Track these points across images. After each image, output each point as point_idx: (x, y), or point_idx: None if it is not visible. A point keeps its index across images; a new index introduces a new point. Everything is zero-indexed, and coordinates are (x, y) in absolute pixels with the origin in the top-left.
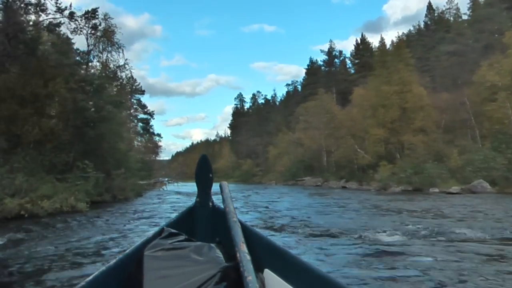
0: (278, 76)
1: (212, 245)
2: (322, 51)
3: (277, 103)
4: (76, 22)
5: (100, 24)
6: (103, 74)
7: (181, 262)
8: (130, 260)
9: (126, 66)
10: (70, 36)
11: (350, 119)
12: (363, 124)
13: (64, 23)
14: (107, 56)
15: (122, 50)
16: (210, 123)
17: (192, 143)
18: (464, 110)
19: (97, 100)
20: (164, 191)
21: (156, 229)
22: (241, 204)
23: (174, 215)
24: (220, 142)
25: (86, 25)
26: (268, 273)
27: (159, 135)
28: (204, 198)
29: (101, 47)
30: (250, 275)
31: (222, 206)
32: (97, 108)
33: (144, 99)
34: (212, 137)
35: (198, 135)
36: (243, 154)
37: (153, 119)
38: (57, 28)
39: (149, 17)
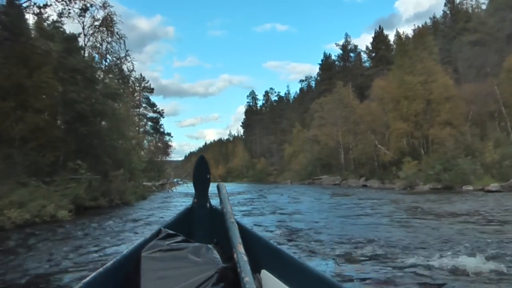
0: (291, 75)
1: (210, 246)
2: (337, 44)
3: (291, 100)
4: (63, 2)
5: (95, 10)
6: (101, 66)
7: (178, 263)
8: (128, 261)
9: (128, 58)
10: (62, 23)
11: (370, 113)
12: (384, 118)
13: (51, 4)
14: (106, 47)
15: (124, 41)
16: (224, 123)
17: (205, 143)
18: (492, 101)
19: (90, 92)
20: (172, 193)
21: (154, 230)
22: (252, 207)
23: (171, 216)
24: (233, 141)
25: (75, 5)
26: (265, 274)
27: (169, 134)
28: (202, 199)
29: (100, 37)
30: (247, 276)
31: (220, 207)
32: (90, 101)
33: (157, 100)
34: (225, 137)
35: (212, 135)
36: (257, 153)
37: (163, 117)
38: (43, 10)
39: (162, 19)
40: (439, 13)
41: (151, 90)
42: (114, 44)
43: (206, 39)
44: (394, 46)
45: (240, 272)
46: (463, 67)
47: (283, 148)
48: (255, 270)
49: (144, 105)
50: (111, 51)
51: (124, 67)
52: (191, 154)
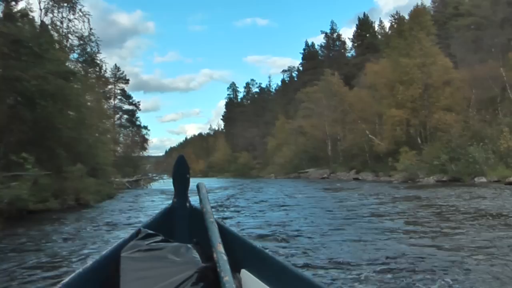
0: (272, 69)
1: (189, 245)
2: (322, 31)
3: (273, 91)
4: None
5: None
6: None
7: (158, 263)
8: (107, 261)
9: (92, 37)
10: None
11: (360, 101)
12: (377, 106)
13: None
14: (67, 25)
15: (88, 20)
16: (205, 118)
17: (186, 138)
18: (495, 85)
19: (38, 70)
20: (147, 190)
21: (133, 230)
22: (237, 207)
23: (151, 216)
24: (215, 135)
25: None
26: (245, 273)
27: (146, 127)
28: (181, 198)
29: (60, 15)
30: (227, 275)
31: (200, 207)
32: (37, 81)
33: (138, 95)
34: (206, 131)
35: (193, 130)
36: (239, 146)
37: (139, 110)
38: None
39: (142, 14)
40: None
41: (127, 81)
42: (76, 22)
43: (186, 34)
44: (379, 34)
45: (219, 272)
46: (460, 52)
47: (266, 141)
48: (235, 270)
49: (119, 97)
50: (73, 30)
51: (88, 48)
52: (171, 149)
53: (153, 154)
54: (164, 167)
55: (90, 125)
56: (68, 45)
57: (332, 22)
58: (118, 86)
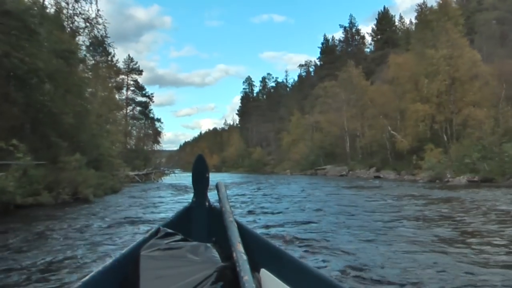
0: (287, 66)
1: (209, 245)
2: (341, 25)
3: (289, 86)
4: None
5: None
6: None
7: (177, 262)
8: (127, 260)
9: (99, 19)
10: None
11: (382, 95)
12: (399, 100)
13: None
14: (73, 6)
15: (96, 0)
16: (220, 113)
17: (201, 133)
18: None
19: (33, 47)
20: (158, 184)
21: (153, 229)
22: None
23: (170, 215)
24: (229, 130)
25: None
26: (264, 273)
27: (159, 120)
28: (201, 198)
29: None
30: (246, 275)
31: (219, 206)
32: (31, 59)
33: (154, 89)
34: (221, 126)
35: (207, 125)
36: (253, 141)
37: (152, 102)
38: None
39: (159, 8)
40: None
41: (140, 72)
42: (83, 3)
43: (203, 29)
44: (399, 29)
45: (239, 271)
46: (486, 46)
47: (281, 137)
48: (254, 269)
49: (132, 88)
50: (80, 12)
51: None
52: (186, 144)
53: (167, 149)
54: (176, 161)
55: (95, 113)
56: (74, 27)
57: (351, 16)
58: (131, 77)
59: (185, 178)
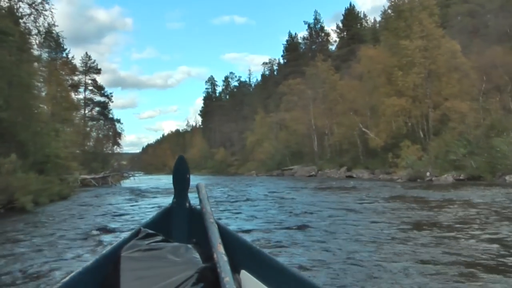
0: (250, 67)
1: (189, 246)
2: (305, 22)
3: (253, 85)
4: None
5: None
6: None
7: (158, 263)
8: (107, 261)
9: (46, 5)
10: None
11: (353, 90)
12: (370, 95)
13: None
14: None
15: None
16: (182, 115)
17: (163, 135)
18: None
19: None
20: (116, 188)
21: (133, 229)
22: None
23: (151, 216)
24: (191, 131)
25: None
26: (244, 274)
27: (119, 121)
28: (181, 198)
29: None
30: (227, 276)
31: (199, 207)
32: None
33: (115, 91)
34: (185, 128)
35: (170, 127)
36: (217, 142)
37: (112, 102)
38: None
39: (120, 10)
40: None
41: (98, 71)
42: None
43: (164, 31)
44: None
45: (220, 272)
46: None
47: (245, 137)
48: (235, 271)
49: (90, 88)
50: None
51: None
52: (148, 146)
53: (130, 151)
54: (136, 163)
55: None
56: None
57: (315, 12)
58: (90, 77)
59: (146, 181)
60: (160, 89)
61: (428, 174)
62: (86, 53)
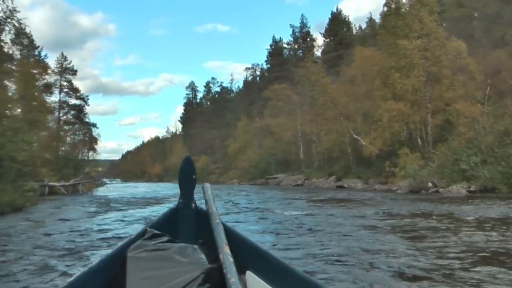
0: (232, 73)
1: (195, 246)
2: (291, 25)
3: (235, 91)
4: None
5: None
6: None
7: (164, 263)
8: (113, 261)
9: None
10: None
11: (345, 94)
12: (362, 100)
13: None
14: None
15: None
16: (164, 122)
17: (143, 142)
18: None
19: None
20: (88, 197)
21: (139, 230)
22: None
23: (157, 216)
24: (172, 138)
25: None
26: (250, 275)
27: (95, 125)
28: (187, 199)
29: None
30: (233, 277)
31: (205, 208)
32: None
33: (97, 98)
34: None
35: (151, 134)
36: (197, 149)
37: (88, 105)
38: None
39: (103, 16)
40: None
41: (74, 72)
42: None
43: (147, 38)
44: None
45: (225, 273)
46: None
47: (227, 144)
48: (240, 271)
49: (66, 90)
50: None
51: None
52: (128, 153)
53: (110, 158)
54: (117, 170)
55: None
56: None
57: (302, 15)
58: (65, 78)
59: (122, 189)
60: (142, 96)
61: (430, 184)
62: (62, 53)
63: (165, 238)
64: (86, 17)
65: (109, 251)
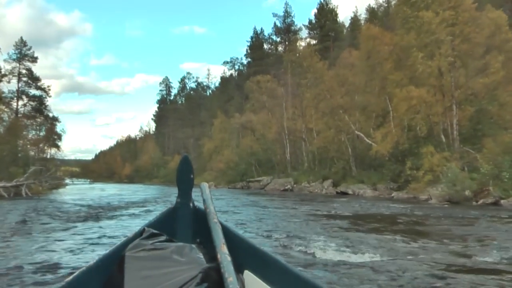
0: (209, 68)
1: (193, 246)
2: (274, 14)
3: (212, 88)
4: None
5: None
6: None
7: (162, 263)
8: (111, 260)
9: None
10: None
11: (345, 83)
12: (368, 88)
13: None
14: None
15: None
16: (139, 122)
17: (117, 141)
18: None
19: None
20: (30, 201)
21: (137, 229)
22: None
23: (154, 215)
24: (144, 137)
25: None
26: (248, 274)
27: (56, 119)
28: (185, 198)
29: None
30: (230, 276)
31: (203, 207)
32: None
33: (72, 97)
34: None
35: (127, 134)
36: (171, 149)
37: (49, 96)
38: None
39: (80, 15)
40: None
41: (35, 59)
42: None
43: (124, 38)
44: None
45: (223, 273)
46: None
47: (202, 144)
48: (238, 271)
49: (24, 79)
50: None
51: None
52: (101, 153)
53: (84, 158)
54: (88, 170)
55: None
56: None
57: (286, 4)
58: (24, 65)
59: (84, 192)
60: (118, 96)
61: (466, 193)
62: (21, 37)
63: (163, 238)
64: (63, 15)
65: (107, 250)
